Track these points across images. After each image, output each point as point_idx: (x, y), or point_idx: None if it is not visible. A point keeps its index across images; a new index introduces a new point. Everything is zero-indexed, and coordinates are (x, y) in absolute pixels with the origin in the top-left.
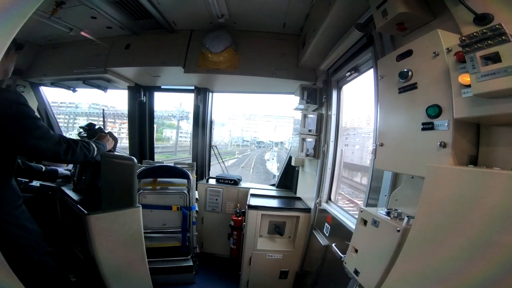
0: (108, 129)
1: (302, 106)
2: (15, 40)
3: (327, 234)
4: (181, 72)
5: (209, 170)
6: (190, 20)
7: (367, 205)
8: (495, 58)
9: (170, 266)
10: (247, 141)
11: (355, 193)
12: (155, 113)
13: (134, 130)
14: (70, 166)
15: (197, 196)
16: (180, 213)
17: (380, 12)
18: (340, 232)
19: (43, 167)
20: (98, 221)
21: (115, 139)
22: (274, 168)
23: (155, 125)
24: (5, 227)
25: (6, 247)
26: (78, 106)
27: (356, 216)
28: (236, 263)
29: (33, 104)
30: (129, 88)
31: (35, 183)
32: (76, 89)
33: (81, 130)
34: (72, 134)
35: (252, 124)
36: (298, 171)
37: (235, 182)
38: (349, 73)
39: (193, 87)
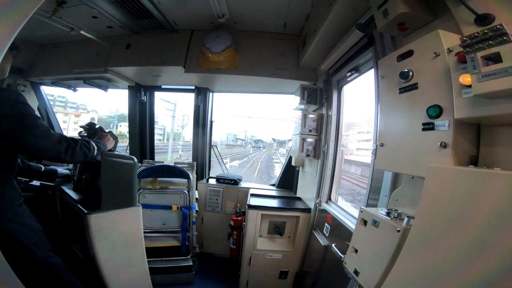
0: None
1: (302, 106)
2: None
3: (327, 234)
4: (181, 72)
5: (209, 169)
6: (190, 20)
7: (367, 205)
8: (496, 58)
9: (169, 266)
10: (241, 140)
11: None
12: None
13: (135, 129)
14: (70, 166)
15: (197, 196)
16: (180, 212)
17: (381, 12)
18: (340, 232)
19: (42, 167)
20: (98, 220)
21: (116, 139)
22: None
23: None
24: (9, 226)
25: (10, 245)
26: None
27: (356, 216)
28: (236, 263)
29: (34, 103)
30: (129, 87)
31: (35, 182)
32: (77, 88)
33: (82, 129)
34: None
35: (245, 117)
36: (298, 171)
37: (235, 182)
38: (349, 73)
39: (193, 87)
